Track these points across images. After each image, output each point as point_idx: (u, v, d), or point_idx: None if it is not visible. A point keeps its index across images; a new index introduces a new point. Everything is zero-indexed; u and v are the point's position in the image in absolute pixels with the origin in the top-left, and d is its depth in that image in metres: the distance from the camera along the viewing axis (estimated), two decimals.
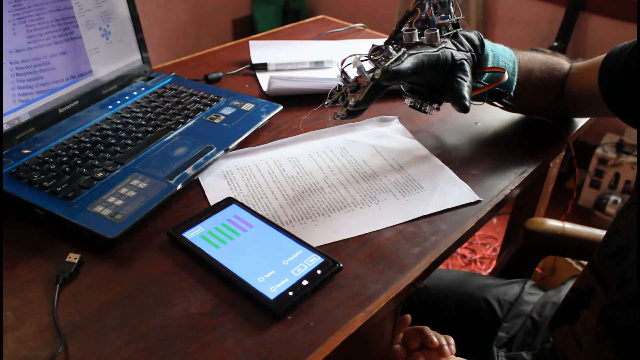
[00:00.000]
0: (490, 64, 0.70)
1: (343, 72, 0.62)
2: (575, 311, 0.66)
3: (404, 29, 0.64)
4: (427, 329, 0.74)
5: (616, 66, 0.68)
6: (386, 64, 0.58)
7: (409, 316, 0.77)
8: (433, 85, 0.67)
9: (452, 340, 0.74)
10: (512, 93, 0.73)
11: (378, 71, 0.59)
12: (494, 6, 2.27)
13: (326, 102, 0.63)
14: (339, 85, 0.63)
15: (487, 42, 0.71)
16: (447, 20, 0.67)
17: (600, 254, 0.64)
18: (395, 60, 0.59)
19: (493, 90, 0.70)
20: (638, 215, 0.56)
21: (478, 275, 1.00)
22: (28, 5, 0.71)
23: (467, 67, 0.65)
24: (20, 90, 0.71)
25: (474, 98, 0.70)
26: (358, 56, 0.61)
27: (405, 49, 0.61)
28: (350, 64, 0.61)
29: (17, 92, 0.70)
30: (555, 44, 2.05)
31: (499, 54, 0.71)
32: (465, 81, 0.64)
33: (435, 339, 0.73)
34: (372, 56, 0.63)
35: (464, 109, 0.63)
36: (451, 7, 0.68)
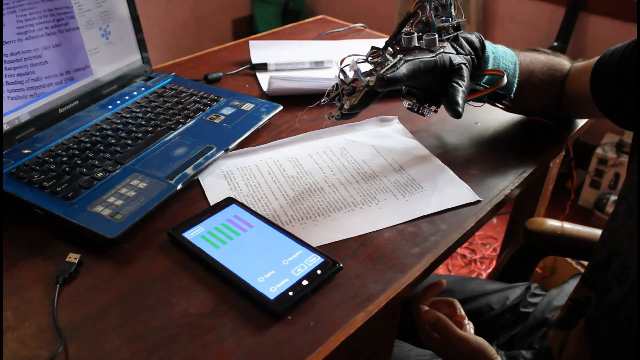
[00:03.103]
0: (490, 67, 0.70)
1: (342, 71, 0.62)
2: (576, 319, 0.66)
3: (403, 31, 0.64)
4: (457, 302, 0.74)
5: (608, 69, 0.68)
6: (381, 71, 0.58)
7: (444, 281, 0.77)
8: (431, 89, 0.67)
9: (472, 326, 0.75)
10: (512, 95, 0.73)
11: (373, 78, 0.59)
12: (494, 6, 2.27)
13: (322, 100, 0.63)
14: (336, 84, 0.63)
15: (488, 44, 0.71)
16: (447, 24, 0.67)
17: (590, 265, 0.65)
18: (391, 67, 0.59)
19: (493, 93, 0.70)
20: (638, 229, 0.56)
21: (480, 281, 0.99)
22: None
23: (465, 72, 0.65)
24: (9, 86, 0.69)
25: (473, 100, 0.70)
26: (356, 58, 0.61)
27: (401, 55, 0.61)
28: (349, 64, 0.61)
29: (6, 88, 0.69)
30: (555, 44, 2.05)
31: (500, 56, 0.71)
32: (461, 87, 0.64)
33: (463, 313, 0.73)
34: (370, 58, 0.63)
35: (457, 115, 0.63)
36: (452, 10, 0.67)
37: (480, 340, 0.69)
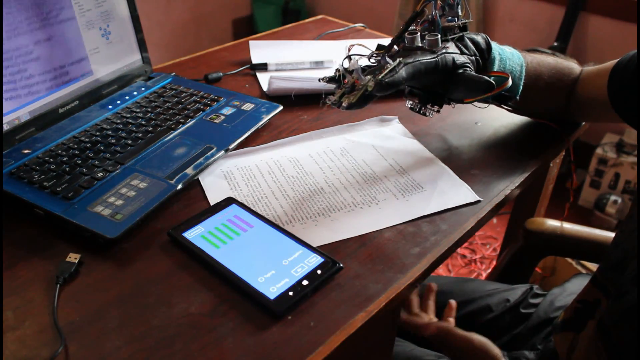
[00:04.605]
0: (496, 68, 0.70)
1: (348, 58, 0.61)
2: (583, 321, 0.66)
3: (408, 30, 0.64)
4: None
5: (626, 74, 0.68)
6: (380, 76, 0.58)
7: (434, 285, 0.79)
8: (433, 89, 0.67)
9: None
10: (518, 97, 0.72)
11: (372, 83, 0.59)
12: (494, 6, 2.27)
13: (319, 78, 0.64)
14: (337, 69, 0.62)
15: (494, 45, 0.71)
16: (453, 23, 0.67)
17: (602, 267, 0.65)
18: (390, 71, 0.59)
19: (498, 94, 0.70)
20: (638, 227, 0.56)
21: (480, 282, 0.99)
22: None
23: (468, 71, 0.65)
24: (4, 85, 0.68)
25: (478, 101, 0.70)
26: (357, 58, 0.61)
27: (401, 59, 0.60)
28: (352, 55, 0.61)
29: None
30: (555, 44, 2.05)
31: (506, 57, 0.71)
32: (468, 70, 0.64)
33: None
34: (373, 55, 0.63)
35: (489, 85, 0.63)
36: (459, 10, 0.67)
37: (484, 340, 0.69)
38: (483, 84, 0.63)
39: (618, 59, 0.71)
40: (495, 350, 0.69)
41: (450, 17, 0.67)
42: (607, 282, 0.62)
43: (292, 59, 1.01)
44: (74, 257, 0.56)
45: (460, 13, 0.67)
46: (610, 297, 0.60)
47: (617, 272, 0.59)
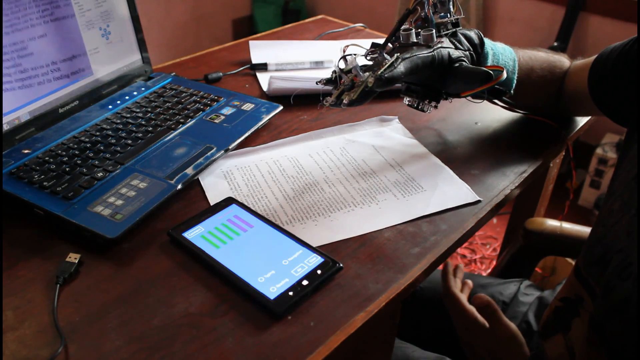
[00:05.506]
0: (490, 63, 0.71)
1: (344, 58, 0.62)
2: (567, 320, 0.66)
3: (402, 28, 0.64)
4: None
5: (605, 67, 0.69)
6: (379, 71, 0.59)
7: (471, 282, 0.79)
8: (430, 84, 0.68)
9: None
10: (512, 91, 0.73)
11: (372, 78, 0.59)
12: (494, 6, 2.27)
13: (317, 81, 0.64)
14: (334, 71, 0.63)
15: (487, 40, 0.71)
16: (446, 19, 0.68)
17: (584, 262, 0.64)
18: (389, 66, 0.59)
19: (493, 89, 0.70)
20: (638, 227, 0.55)
21: (474, 276, 0.99)
22: None
23: (464, 64, 0.66)
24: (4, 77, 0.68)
25: (473, 96, 0.70)
26: (354, 56, 0.61)
27: (398, 54, 0.61)
28: (349, 54, 0.61)
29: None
30: (555, 44, 2.05)
31: (499, 52, 0.72)
32: (464, 63, 0.65)
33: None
34: (369, 54, 0.63)
35: (487, 75, 0.63)
36: (451, 6, 0.68)
37: (518, 331, 0.70)
38: (481, 75, 0.64)
39: (598, 53, 0.71)
40: (525, 345, 0.69)
41: (442, 14, 0.68)
42: (590, 278, 0.62)
43: (292, 59, 1.01)
44: (74, 257, 0.56)
45: (452, 9, 0.68)
46: (594, 294, 0.60)
47: (600, 267, 0.59)
